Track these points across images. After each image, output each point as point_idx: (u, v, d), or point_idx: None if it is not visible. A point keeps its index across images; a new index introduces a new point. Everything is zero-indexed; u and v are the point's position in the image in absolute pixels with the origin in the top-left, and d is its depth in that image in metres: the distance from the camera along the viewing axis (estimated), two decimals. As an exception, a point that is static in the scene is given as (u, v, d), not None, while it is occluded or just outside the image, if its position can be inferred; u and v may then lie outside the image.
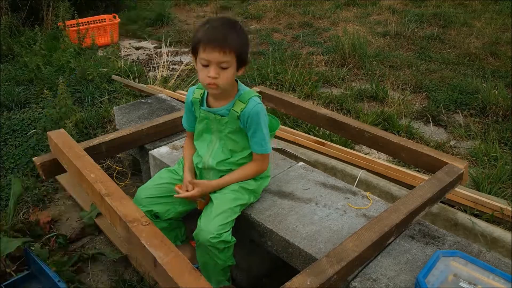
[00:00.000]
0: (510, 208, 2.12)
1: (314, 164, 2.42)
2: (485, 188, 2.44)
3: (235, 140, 1.68)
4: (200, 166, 1.74)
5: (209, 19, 1.56)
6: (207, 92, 1.67)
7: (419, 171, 2.49)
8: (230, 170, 1.71)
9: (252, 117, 1.61)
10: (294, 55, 4.97)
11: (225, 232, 1.55)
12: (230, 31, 1.49)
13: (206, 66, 1.50)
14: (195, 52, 1.54)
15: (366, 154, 2.74)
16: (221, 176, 1.71)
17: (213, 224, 1.54)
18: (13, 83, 4.10)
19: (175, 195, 1.65)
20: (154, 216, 1.72)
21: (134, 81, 4.11)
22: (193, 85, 3.97)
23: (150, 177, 2.25)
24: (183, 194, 1.63)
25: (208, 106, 1.69)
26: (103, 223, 2.30)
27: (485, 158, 2.85)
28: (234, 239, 1.59)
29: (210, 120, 1.68)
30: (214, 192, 1.67)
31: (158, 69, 4.37)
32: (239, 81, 1.68)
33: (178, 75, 4.33)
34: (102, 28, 5.62)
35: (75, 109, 3.32)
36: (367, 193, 1.82)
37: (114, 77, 4.12)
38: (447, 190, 1.74)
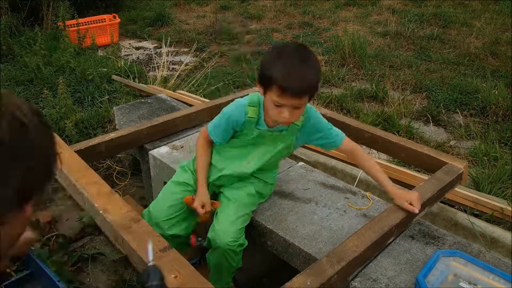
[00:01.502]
0: (510, 208, 2.12)
1: (314, 164, 2.42)
2: (485, 188, 2.44)
3: (280, 153, 1.65)
4: (217, 178, 1.67)
5: (281, 49, 1.42)
6: (263, 111, 1.56)
7: (419, 171, 2.48)
8: (247, 179, 1.67)
9: (313, 123, 1.59)
10: (294, 55, 4.96)
11: (241, 235, 1.57)
12: (307, 71, 1.36)
13: (279, 106, 1.40)
14: (264, 85, 1.41)
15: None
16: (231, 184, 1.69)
17: (232, 227, 1.54)
18: (13, 83, 4.09)
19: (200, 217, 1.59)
20: (175, 236, 1.65)
21: (134, 81, 4.11)
22: (193, 85, 4.00)
23: (150, 177, 2.25)
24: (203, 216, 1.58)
25: (266, 125, 1.57)
26: (103, 223, 2.30)
27: (485, 158, 2.85)
28: (247, 241, 1.60)
29: (264, 138, 1.60)
30: (230, 197, 1.64)
31: (158, 69, 4.36)
32: None
33: (178, 75, 4.32)
34: (102, 28, 5.61)
35: (75, 109, 3.31)
36: (367, 193, 1.82)
37: (114, 77, 4.12)
38: (447, 190, 1.75)
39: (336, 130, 1.66)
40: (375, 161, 1.69)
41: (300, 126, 1.59)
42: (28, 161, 0.66)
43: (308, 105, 1.58)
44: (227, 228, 1.54)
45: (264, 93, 1.43)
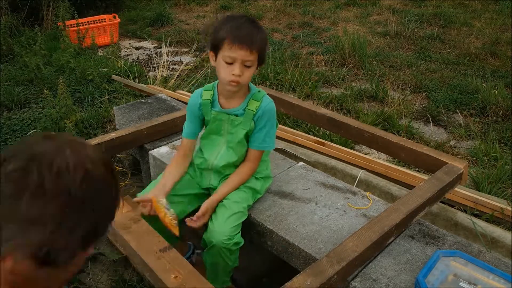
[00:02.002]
0: (510, 208, 2.12)
1: (314, 164, 2.42)
2: (485, 188, 2.44)
3: (243, 143, 1.67)
4: (202, 167, 1.73)
5: (229, 16, 1.57)
6: (218, 93, 1.66)
7: (419, 171, 2.49)
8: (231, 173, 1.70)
9: (265, 112, 1.62)
10: (294, 55, 4.97)
11: (237, 233, 1.57)
12: (255, 29, 1.51)
13: (230, 63, 1.50)
14: (216, 49, 1.53)
15: (366, 154, 2.74)
16: (221, 178, 1.71)
17: (226, 225, 1.55)
18: (13, 83, 4.09)
19: (188, 223, 1.59)
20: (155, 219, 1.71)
21: (134, 81, 4.11)
22: (193, 85, 4.00)
23: (150, 177, 2.25)
24: (194, 224, 1.57)
25: (220, 107, 1.67)
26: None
27: (485, 158, 2.85)
28: (243, 240, 1.60)
29: (222, 121, 1.66)
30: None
31: (158, 69, 4.37)
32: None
33: (178, 75, 4.33)
34: (102, 28, 5.61)
35: (75, 109, 3.31)
36: (367, 193, 1.82)
37: (114, 77, 4.12)
38: (447, 190, 1.75)
39: (267, 139, 1.65)
40: (241, 177, 1.67)
41: (255, 111, 1.61)
42: (95, 212, 0.72)
43: (271, 99, 1.65)
44: (220, 226, 1.55)
45: (216, 58, 1.54)
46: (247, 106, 1.62)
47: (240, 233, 1.59)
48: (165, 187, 1.61)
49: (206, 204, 1.61)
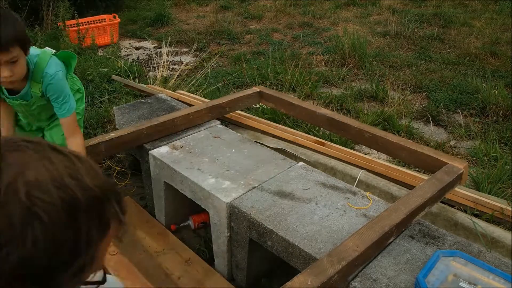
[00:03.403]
0: (510, 208, 2.12)
1: (314, 164, 2.42)
2: (485, 188, 2.44)
3: (47, 111, 1.78)
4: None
5: None
6: None
7: (419, 171, 2.48)
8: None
9: (50, 89, 1.64)
10: (294, 55, 4.97)
11: None
12: (3, 26, 1.40)
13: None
14: None
15: (366, 154, 2.74)
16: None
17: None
18: (13, 83, 4.09)
19: None
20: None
21: (134, 81, 4.11)
22: (193, 85, 4.00)
23: (150, 177, 2.25)
24: None
25: (9, 92, 1.68)
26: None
27: (485, 158, 2.85)
28: None
29: (17, 105, 1.72)
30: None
31: (158, 69, 4.36)
32: None
33: (178, 75, 4.33)
34: (102, 28, 5.61)
35: (75, 109, 3.31)
36: (367, 193, 1.82)
37: (114, 77, 4.12)
38: (447, 190, 1.75)
39: (67, 105, 1.70)
40: (76, 144, 1.74)
41: (41, 93, 1.66)
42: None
43: (50, 72, 1.63)
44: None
45: None
46: (31, 89, 1.63)
47: None
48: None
49: None
